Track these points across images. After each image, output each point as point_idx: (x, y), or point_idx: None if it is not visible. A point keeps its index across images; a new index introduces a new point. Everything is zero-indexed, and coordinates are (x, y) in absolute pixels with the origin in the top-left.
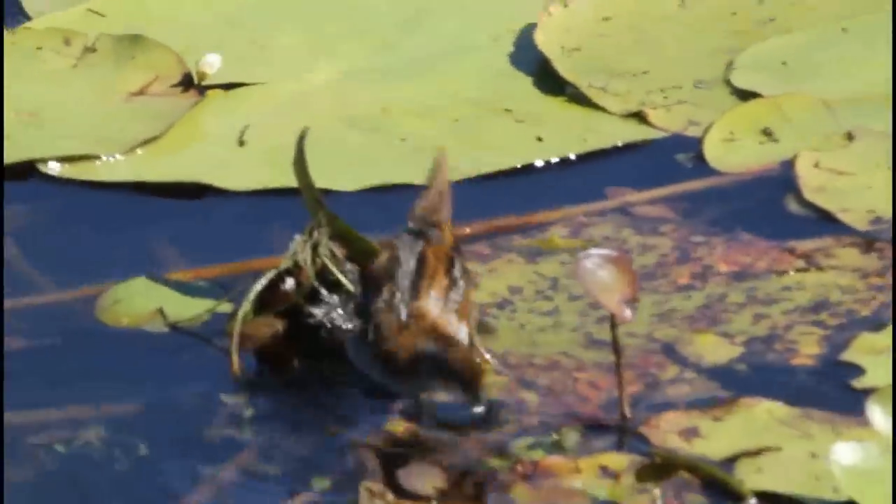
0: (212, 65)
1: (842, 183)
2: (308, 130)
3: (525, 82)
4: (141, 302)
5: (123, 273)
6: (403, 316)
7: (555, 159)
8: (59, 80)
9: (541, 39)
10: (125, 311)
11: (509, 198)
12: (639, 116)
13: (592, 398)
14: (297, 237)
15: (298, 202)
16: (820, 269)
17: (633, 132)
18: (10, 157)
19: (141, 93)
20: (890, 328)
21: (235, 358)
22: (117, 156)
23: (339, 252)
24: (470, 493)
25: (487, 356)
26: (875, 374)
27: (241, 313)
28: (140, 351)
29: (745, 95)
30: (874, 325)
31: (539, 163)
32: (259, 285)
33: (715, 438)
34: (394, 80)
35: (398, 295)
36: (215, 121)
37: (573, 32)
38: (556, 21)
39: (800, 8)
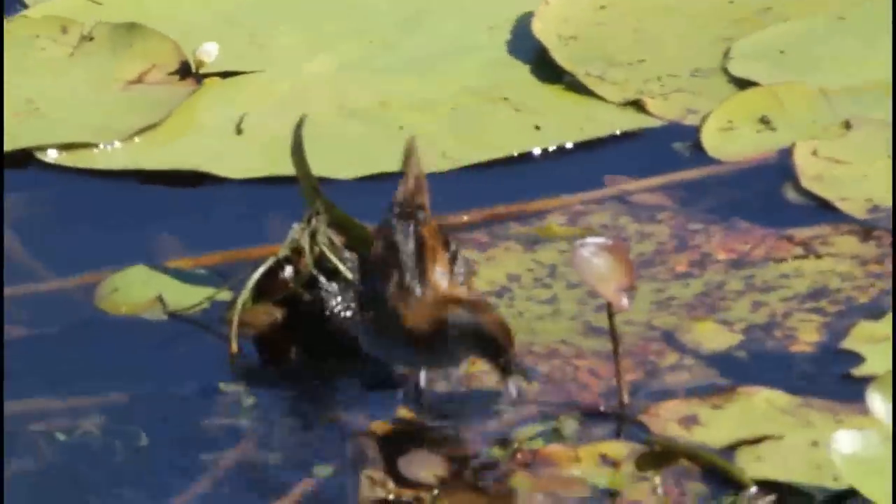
0: (209, 53)
1: (839, 171)
2: (306, 118)
3: (523, 71)
4: (140, 290)
5: (122, 261)
6: (419, 293)
7: (552, 148)
8: (56, 68)
9: (538, 28)
10: (124, 299)
11: (507, 186)
12: (636, 105)
13: (592, 386)
14: (296, 225)
15: (296, 190)
16: (818, 256)
17: (631, 120)
18: (8, 145)
19: (138, 81)
20: (889, 316)
21: (234, 346)
22: (115, 144)
23: (338, 240)
24: (470, 482)
25: None
26: (874, 362)
27: (239, 301)
28: (139, 339)
29: (743, 84)
30: (873, 312)
31: (537, 151)
32: (258, 273)
33: (714, 426)
34: (393, 76)
35: (407, 275)
36: (213, 109)
37: (571, 21)
38: (554, 10)
39: None
